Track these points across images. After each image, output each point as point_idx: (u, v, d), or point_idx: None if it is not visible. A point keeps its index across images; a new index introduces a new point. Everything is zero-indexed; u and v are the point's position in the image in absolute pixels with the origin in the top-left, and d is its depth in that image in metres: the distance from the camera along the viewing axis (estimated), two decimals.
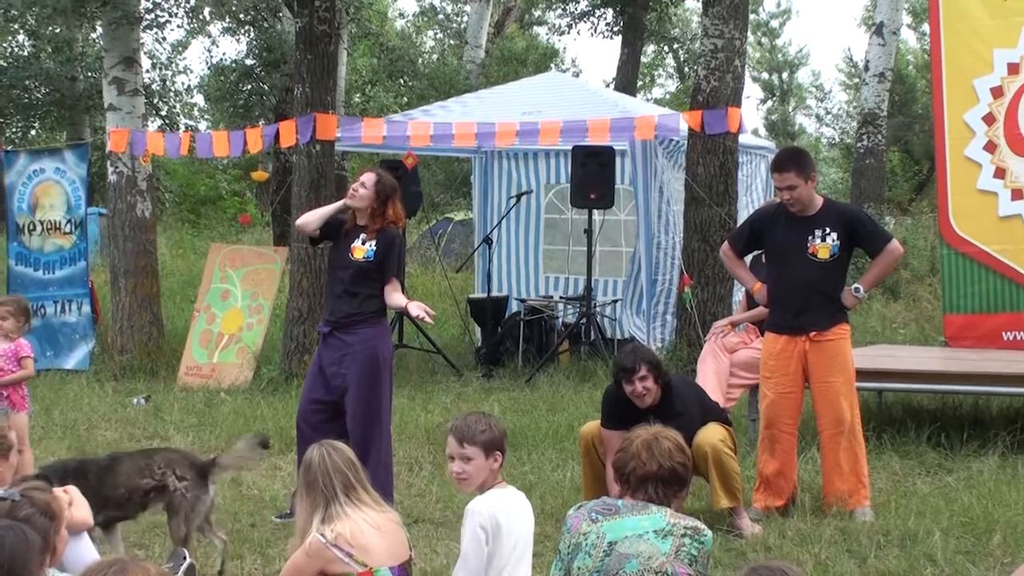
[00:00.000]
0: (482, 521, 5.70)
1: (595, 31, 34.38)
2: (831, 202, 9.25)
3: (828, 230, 8.92)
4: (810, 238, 8.93)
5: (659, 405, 8.30)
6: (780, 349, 9.08)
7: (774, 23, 58.40)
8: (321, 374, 8.93)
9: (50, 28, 26.99)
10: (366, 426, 8.73)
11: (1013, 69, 12.59)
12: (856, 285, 9.05)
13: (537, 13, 46.48)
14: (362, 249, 8.79)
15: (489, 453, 5.86)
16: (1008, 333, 12.56)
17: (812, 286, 8.95)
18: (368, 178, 8.88)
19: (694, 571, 5.14)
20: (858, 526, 8.56)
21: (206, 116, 41.03)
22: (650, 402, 8.32)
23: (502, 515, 5.75)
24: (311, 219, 9.06)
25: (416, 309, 8.64)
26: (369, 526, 5.66)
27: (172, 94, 32.31)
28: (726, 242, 9.64)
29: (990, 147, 12.65)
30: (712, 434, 8.52)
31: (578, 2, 34.04)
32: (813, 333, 8.98)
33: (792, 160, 9.01)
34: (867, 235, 9.09)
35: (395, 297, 8.83)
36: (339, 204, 9.08)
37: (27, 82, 28.71)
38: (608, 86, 32.11)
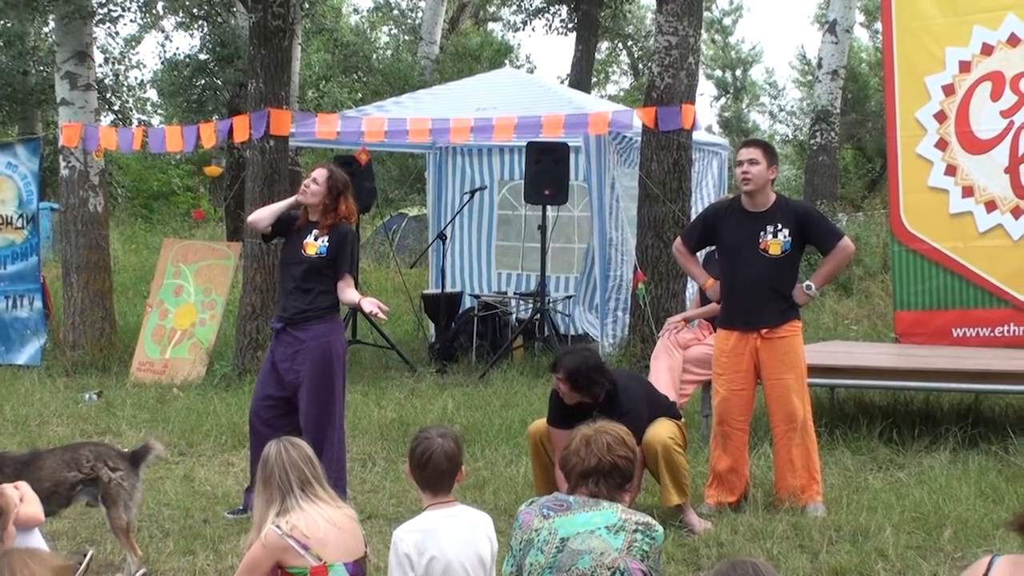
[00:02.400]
0: (406, 549, 5.62)
1: (550, 28, 34.51)
2: (783, 199, 9.26)
3: (780, 226, 8.95)
4: (762, 234, 8.95)
5: (605, 404, 8.28)
6: (732, 346, 9.10)
7: (727, 20, 58.65)
8: (274, 370, 8.90)
9: (2, 22, 26.78)
10: (319, 422, 8.71)
11: (964, 67, 12.67)
12: (808, 282, 9.07)
13: (492, 9, 46.55)
14: (314, 245, 8.77)
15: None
16: (957, 330, 12.65)
17: (763, 282, 8.96)
18: (320, 174, 8.86)
19: (646, 567, 5.15)
20: (810, 521, 8.59)
21: (159, 111, 40.86)
22: (571, 403, 8.30)
23: (431, 541, 5.64)
24: (262, 216, 9.04)
25: (369, 305, 8.62)
26: (325, 521, 5.66)
27: (125, 89, 32.08)
28: (678, 237, 9.64)
29: (941, 145, 12.73)
30: (662, 432, 8.52)
31: None
32: (764, 330, 9.00)
33: (761, 143, 9.27)
34: (819, 232, 9.12)
35: (348, 293, 8.81)
36: (290, 200, 9.07)
37: None
38: (562, 83, 32.15)
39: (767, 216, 8.97)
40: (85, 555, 6.97)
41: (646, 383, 9.49)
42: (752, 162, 8.90)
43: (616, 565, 5.11)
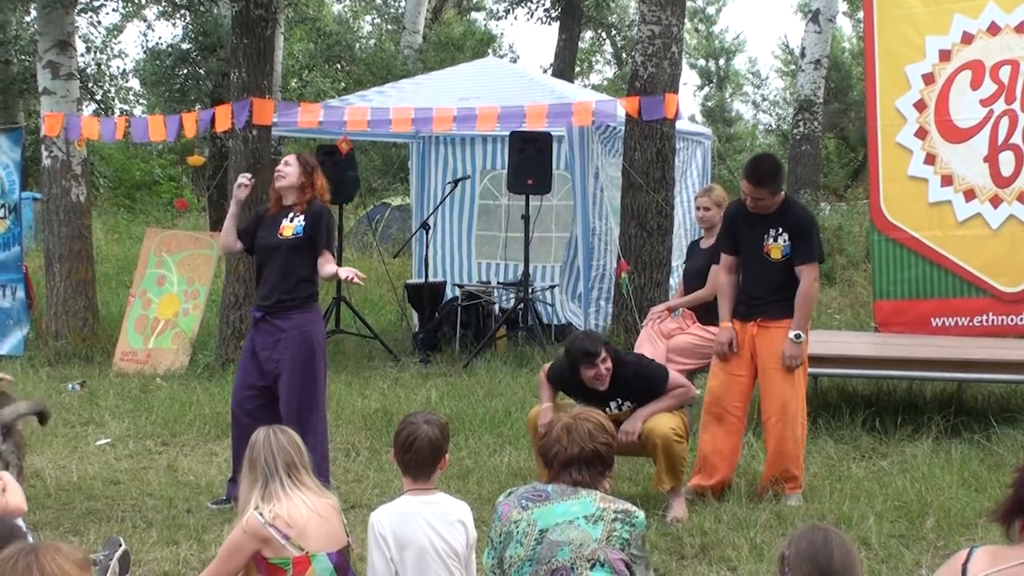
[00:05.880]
0: (381, 530, 5.66)
1: (532, 17, 34.48)
2: (790, 203, 9.24)
3: (781, 230, 9.00)
4: (765, 237, 9.02)
5: (614, 375, 8.44)
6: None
7: (710, 10, 58.65)
8: (254, 359, 8.89)
9: None
10: (301, 411, 8.70)
11: (944, 56, 12.69)
12: (791, 334, 9.03)
13: None
14: (290, 227, 8.78)
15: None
16: (937, 319, 12.67)
17: (764, 285, 9.05)
18: (289, 158, 9.02)
19: (627, 556, 5.16)
20: (793, 510, 8.62)
21: (141, 100, 40.74)
22: (605, 386, 8.38)
23: (406, 526, 5.67)
24: (226, 239, 9.20)
25: (347, 272, 8.60)
26: (308, 509, 5.67)
27: (107, 78, 32.04)
28: (722, 259, 9.48)
29: (921, 133, 12.74)
30: (663, 424, 8.54)
31: None
32: (760, 319, 9.05)
33: (771, 178, 9.00)
34: (800, 244, 9.06)
35: (327, 267, 8.77)
36: (236, 203, 9.14)
37: None
38: (545, 72, 32.16)
39: (771, 219, 9.03)
40: (118, 546, 6.98)
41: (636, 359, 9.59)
42: (757, 200, 8.97)
43: (596, 557, 5.11)
